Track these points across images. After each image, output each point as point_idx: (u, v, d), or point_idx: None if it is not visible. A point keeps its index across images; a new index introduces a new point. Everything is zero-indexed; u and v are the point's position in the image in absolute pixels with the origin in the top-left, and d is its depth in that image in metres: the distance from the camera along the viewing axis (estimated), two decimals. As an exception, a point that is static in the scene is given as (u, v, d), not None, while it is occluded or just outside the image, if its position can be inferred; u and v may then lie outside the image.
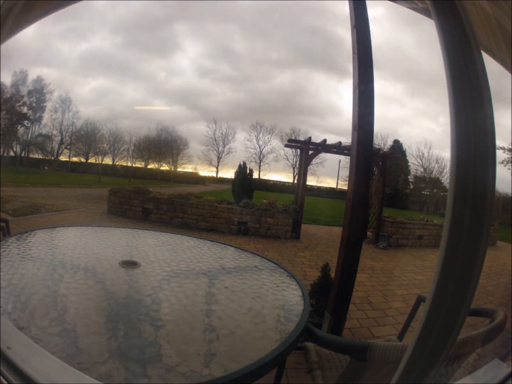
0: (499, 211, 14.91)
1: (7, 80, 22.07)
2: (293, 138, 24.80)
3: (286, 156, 30.94)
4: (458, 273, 0.47)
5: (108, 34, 35.38)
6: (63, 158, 26.92)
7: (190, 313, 1.06)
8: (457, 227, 0.47)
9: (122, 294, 1.14)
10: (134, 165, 27.88)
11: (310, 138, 7.79)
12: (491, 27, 1.16)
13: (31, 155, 25.64)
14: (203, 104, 40.30)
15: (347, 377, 0.99)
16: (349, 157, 3.01)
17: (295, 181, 19.31)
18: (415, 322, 1.56)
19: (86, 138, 27.17)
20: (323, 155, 21.73)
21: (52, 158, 26.24)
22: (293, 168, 30.39)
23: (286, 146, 8.73)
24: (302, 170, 7.42)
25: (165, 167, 29.23)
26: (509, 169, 15.74)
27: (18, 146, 24.63)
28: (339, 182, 28.74)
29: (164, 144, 29.11)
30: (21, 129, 24.72)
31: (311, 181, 28.06)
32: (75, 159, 27.51)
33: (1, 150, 23.94)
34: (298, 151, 9.57)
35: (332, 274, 2.34)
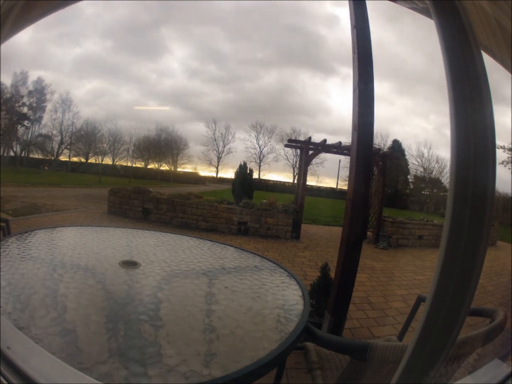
0: (499, 211, 14.91)
1: (7, 81, 22.16)
2: (293, 138, 24.82)
3: (286, 156, 31.00)
4: (458, 273, 0.47)
5: (99, 39, 36.56)
6: (63, 158, 26.98)
7: (190, 313, 1.06)
8: (457, 227, 0.47)
9: (122, 294, 1.14)
10: (134, 165, 27.94)
11: (310, 138, 7.79)
12: (491, 27, 1.16)
13: (31, 155, 25.68)
14: (195, 104, 41.33)
15: (347, 377, 0.99)
16: (349, 157, 3.01)
17: (295, 181, 19.31)
18: (415, 322, 1.56)
19: (86, 138, 27.19)
20: (323, 155, 21.74)
21: (52, 158, 26.26)
22: (293, 168, 30.41)
23: (286, 146, 8.73)
24: (302, 170, 7.42)
25: (165, 167, 29.28)
26: (509, 169, 15.74)
27: (18, 146, 24.67)
28: (339, 182, 28.78)
29: (164, 144, 29.14)
30: (21, 129, 24.77)
31: (311, 181, 28.11)
32: (75, 159, 27.57)
33: (1, 150, 23.97)
34: (298, 151, 9.57)
35: (332, 274, 2.34)
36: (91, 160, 27.64)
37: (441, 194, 24.49)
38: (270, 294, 1.27)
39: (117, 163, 27.55)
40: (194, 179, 27.97)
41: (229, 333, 0.95)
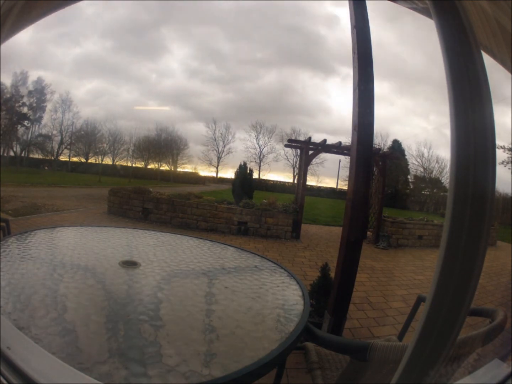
0: (499, 211, 14.91)
1: (7, 81, 22.18)
2: (293, 138, 24.82)
3: (286, 156, 30.98)
4: (458, 273, 0.47)
5: (98, 39, 36.62)
6: (63, 158, 26.97)
7: (190, 313, 1.06)
8: (457, 227, 0.47)
9: (122, 294, 1.14)
10: (134, 165, 27.93)
11: (310, 138, 7.79)
12: (491, 27, 1.16)
13: (31, 155, 25.67)
14: (194, 105, 41.53)
15: (347, 377, 0.99)
16: (349, 157, 3.01)
17: (295, 181, 19.32)
18: (415, 322, 1.56)
19: (86, 138, 27.19)
20: (323, 155, 21.75)
21: (52, 158, 26.26)
22: (293, 168, 30.40)
23: (286, 146, 8.73)
24: (302, 170, 7.42)
25: (165, 167, 29.27)
26: (509, 169, 15.74)
27: (18, 146, 24.67)
28: (339, 182, 28.77)
29: (164, 144, 29.14)
30: (21, 129, 24.76)
31: (311, 181, 28.09)
32: (75, 159, 27.57)
33: (1, 150, 23.97)
34: (298, 151, 9.57)
35: (332, 274, 2.35)
36: (91, 160, 27.68)
37: (441, 194, 24.49)
38: (270, 294, 1.27)
39: (117, 163, 27.58)
40: (194, 179, 27.97)
41: (229, 333, 0.95)
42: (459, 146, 0.48)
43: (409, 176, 27.02)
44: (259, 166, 31.27)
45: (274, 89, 40.44)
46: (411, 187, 27.05)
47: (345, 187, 10.12)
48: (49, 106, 25.53)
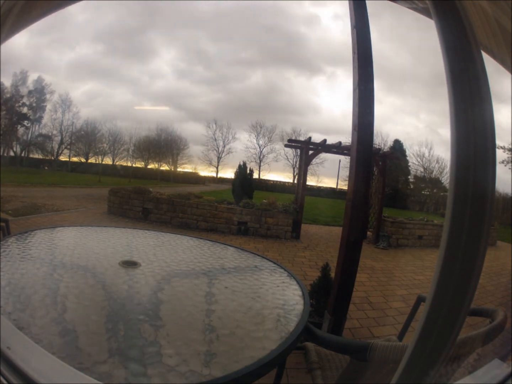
0: (499, 211, 14.91)
1: (7, 82, 22.19)
2: (293, 138, 24.82)
3: (286, 156, 30.95)
4: (458, 273, 0.47)
5: (90, 43, 37.17)
6: (63, 158, 26.94)
7: (190, 313, 1.06)
8: (457, 227, 0.47)
9: (122, 294, 1.14)
10: (134, 165, 27.91)
11: (310, 138, 7.79)
12: (491, 27, 1.16)
13: (31, 155, 25.64)
14: (187, 105, 41.99)
15: (347, 377, 0.99)
16: (349, 157, 3.01)
17: (295, 181, 19.30)
18: (415, 322, 1.56)
19: (86, 138, 27.18)
20: (323, 155, 21.71)
21: (52, 158, 26.24)
22: (293, 168, 30.36)
23: (286, 146, 8.73)
24: (302, 170, 7.42)
25: (165, 167, 29.27)
26: (509, 169, 15.74)
27: (18, 146, 24.65)
28: (339, 182, 28.75)
29: (164, 144, 29.13)
30: (21, 129, 24.75)
31: (311, 181, 28.07)
32: (75, 159, 27.53)
33: (1, 150, 23.96)
34: (298, 151, 9.57)
35: (332, 274, 2.35)
36: (91, 160, 27.65)
37: (441, 194, 24.49)
38: (270, 294, 1.27)
39: (117, 163, 27.56)
40: (194, 179, 27.95)
41: (229, 333, 0.95)
42: (459, 146, 0.48)
43: (409, 176, 27.03)
44: (259, 166, 31.27)
45: (262, 88, 40.97)
46: (411, 187, 27.04)
47: (345, 187, 10.12)
48: (49, 106, 25.56)
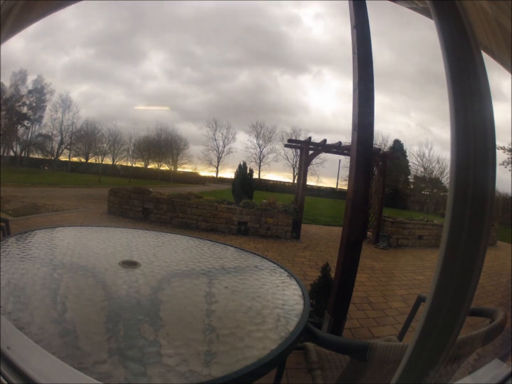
0: (499, 211, 14.90)
1: (7, 82, 22.21)
2: (293, 138, 24.83)
3: (286, 156, 30.95)
4: (458, 273, 0.47)
5: (82, 48, 37.89)
6: (63, 158, 26.96)
7: (190, 313, 1.06)
8: (457, 227, 0.47)
9: (122, 294, 1.14)
10: (134, 165, 27.93)
11: (310, 138, 7.79)
12: (491, 27, 1.16)
13: (31, 155, 25.65)
14: (179, 105, 42.40)
15: (347, 377, 0.99)
16: (349, 157, 3.01)
17: (295, 181, 19.29)
18: (415, 322, 1.56)
19: (86, 138, 27.18)
20: (323, 155, 21.71)
21: (52, 158, 26.24)
22: (293, 168, 30.35)
23: (286, 146, 8.73)
24: (302, 170, 7.42)
25: (165, 167, 29.27)
26: (509, 170, 15.74)
27: (18, 146, 24.65)
28: (339, 182, 28.75)
29: (164, 144, 29.13)
30: (21, 129, 24.75)
31: (311, 181, 28.05)
32: (75, 159, 27.55)
33: (1, 150, 23.97)
34: (298, 151, 9.57)
35: (332, 274, 2.35)
36: (91, 160, 27.67)
37: (441, 194, 24.49)
38: (270, 294, 1.27)
39: (117, 163, 27.57)
40: (194, 179, 27.95)
41: (229, 333, 0.95)
42: (459, 146, 0.48)
43: (409, 176, 27.03)
44: (259, 166, 31.27)
45: (250, 88, 41.47)
46: (411, 187, 27.04)
47: (345, 187, 10.12)
48: (49, 106, 25.56)
